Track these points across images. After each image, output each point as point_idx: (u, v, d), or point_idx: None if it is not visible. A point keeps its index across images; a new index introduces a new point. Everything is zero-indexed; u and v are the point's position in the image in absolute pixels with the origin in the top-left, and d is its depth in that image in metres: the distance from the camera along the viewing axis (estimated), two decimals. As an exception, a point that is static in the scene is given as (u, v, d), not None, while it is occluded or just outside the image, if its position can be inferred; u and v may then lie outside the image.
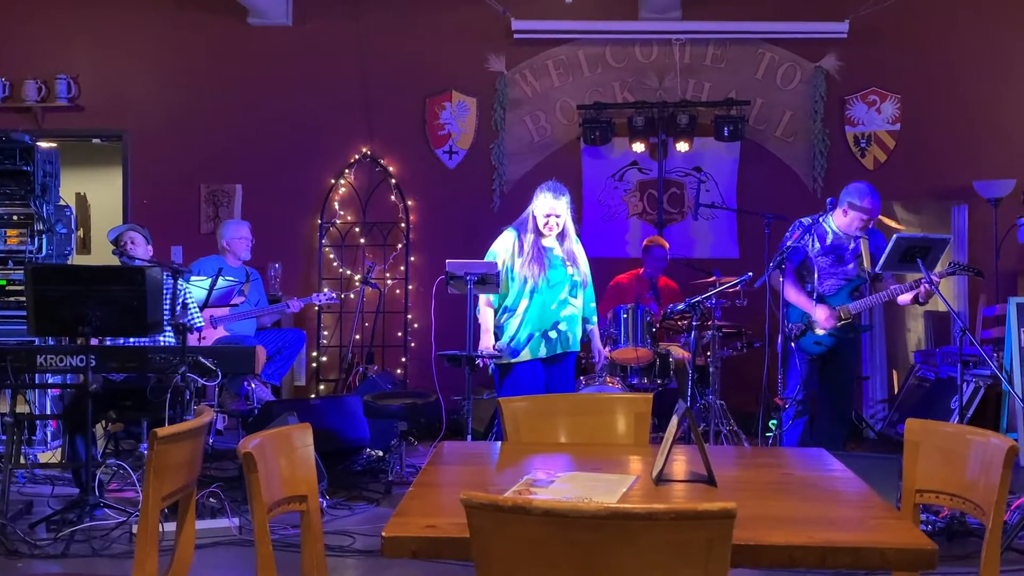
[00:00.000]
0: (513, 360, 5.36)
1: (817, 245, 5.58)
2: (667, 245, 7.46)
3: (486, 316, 5.44)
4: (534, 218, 5.37)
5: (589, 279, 5.61)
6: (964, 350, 5.30)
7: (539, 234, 5.38)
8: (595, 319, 5.71)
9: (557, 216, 5.36)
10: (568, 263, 5.42)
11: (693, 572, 1.81)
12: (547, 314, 5.34)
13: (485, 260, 5.46)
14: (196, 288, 5.92)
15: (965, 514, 3.99)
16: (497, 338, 5.42)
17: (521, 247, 5.37)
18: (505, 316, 5.42)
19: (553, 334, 5.36)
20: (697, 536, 1.80)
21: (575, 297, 5.43)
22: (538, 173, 8.13)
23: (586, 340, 5.77)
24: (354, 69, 8.31)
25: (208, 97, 8.38)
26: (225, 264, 6.88)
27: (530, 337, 5.34)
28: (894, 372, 7.92)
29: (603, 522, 1.80)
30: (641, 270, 7.46)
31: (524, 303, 5.35)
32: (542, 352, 5.37)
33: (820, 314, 5.50)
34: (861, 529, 2.26)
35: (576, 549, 1.82)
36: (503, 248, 5.44)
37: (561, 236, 5.44)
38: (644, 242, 7.54)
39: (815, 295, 5.52)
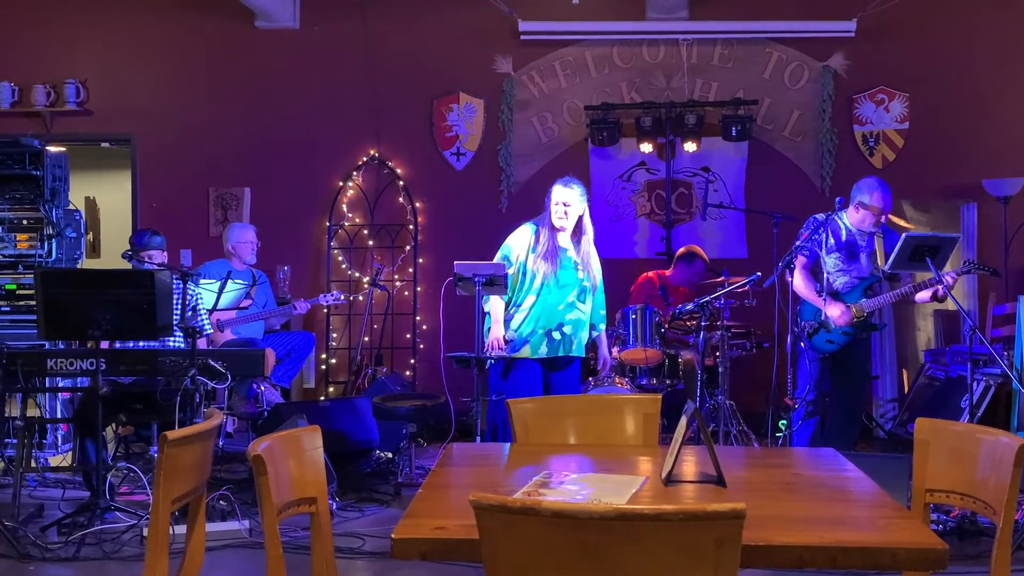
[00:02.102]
0: (513, 356, 5.36)
1: (831, 241, 5.56)
2: (707, 258, 7.35)
3: (496, 307, 5.43)
4: (550, 212, 5.40)
5: (600, 285, 5.61)
6: (974, 349, 5.29)
7: (555, 229, 5.39)
8: (603, 326, 5.70)
9: (567, 205, 5.37)
10: (580, 267, 5.41)
11: (703, 573, 1.81)
12: (553, 314, 5.35)
13: (500, 252, 5.48)
14: (206, 291, 5.93)
15: (976, 513, 3.98)
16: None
17: (537, 241, 5.39)
18: (512, 310, 5.43)
19: (557, 335, 5.36)
20: (707, 537, 1.80)
21: (583, 302, 5.43)
22: (546, 174, 8.11)
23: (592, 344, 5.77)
24: (361, 71, 8.32)
25: (216, 100, 8.40)
26: (232, 267, 6.89)
27: (532, 333, 5.34)
28: (904, 371, 7.89)
29: (612, 523, 1.80)
30: (669, 271, 7.35)
31: (531, 299, 5.36)
32: (543, 351, 5.37)
33: (834, 311, 5.48)
34: (871, 529, 2.26)
35: (585, 550, 1.82)
36: (518, 242, 5.46)
37: (577, 235, 5.44)
38: (684, 249, 7.34)
39: (824, 293, 5.50)
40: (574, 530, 1.81)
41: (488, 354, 5.33)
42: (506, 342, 5.37)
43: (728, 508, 1.79)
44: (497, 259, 5.46)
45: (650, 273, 7.37)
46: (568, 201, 5.37)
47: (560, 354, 5.41)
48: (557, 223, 5.39)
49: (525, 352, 5.36)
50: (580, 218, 5.46)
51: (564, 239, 5.43)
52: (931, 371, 7.21)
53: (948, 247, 5.21)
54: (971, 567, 4.06)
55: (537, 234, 5.43)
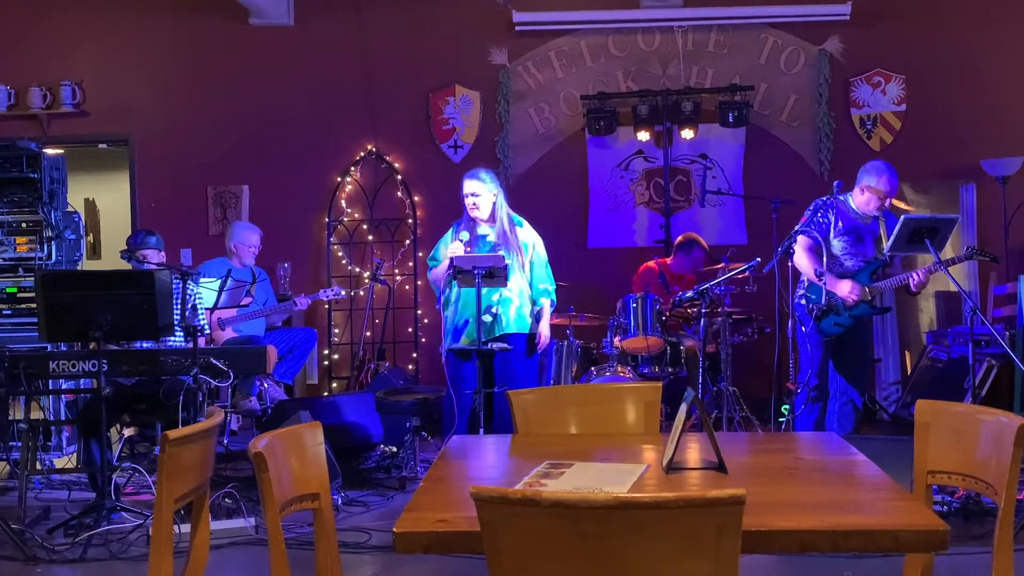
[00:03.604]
0: (454, 347, 5.51)
1: (840, 224, 5.56)
2: (707, 246, 7.36)
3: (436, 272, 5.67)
4: (465, 207, 5.58)
5: (539, 260, 5.65)
6: (975, 329, 5.29)
7: (472, 221, 5.60)
8: (544, 299, 5.69)
9: (476, 195, 5.55)
10: (499, 247, 5.49)
11: (704, 559, 1.81)
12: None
13: (429, 260, 5.73)
14: (206, 291, 5.93)
15: (980, 494, 3.99)
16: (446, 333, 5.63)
17: (454, 239, 5.52)
18: (448, 306, 5.60)
19: (487, 318, 5.46)
20: (707, 523, 1.80)
21: (507, 280, 5.48)
22: (543, 165, 8.14)
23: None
24: (357, 66, 8.31)
25: (212, 99, 8.39)
26: (231, 265, 6.89)
27: (466, 323, 5.45)
28: (906, 353, 7.90)
29: (612, 512, 1.80)
30: (670, 260, 7.35)
31: (456, 291, 5.47)
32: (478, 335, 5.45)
33: (844, 287, 5.45)
34: (873, 512, 2.26)
35: (586, 539, 1.82)
36: (444, 246, 5.67)
37: (493, 219, 5.56)
38: (682, 237, 7.32)
39: (825, 276, 5.48)
40: (574, 520, 1.81)
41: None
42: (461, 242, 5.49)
43: (728, 494, 1.79)
44: (430, 265, 5.71)
45: (651, 263, 7.36)
46: (475, 191, 5.57)
47: (495, 334, 5.51)
48: (472, 214, 5.59)
49: (464, 341, 5.49)
50: (495, 204, 5.59)
51: (484, 227, 5.58)
52: (933, 353, 7.21)
53: (947, 228, 5.21)
54: (976, 547, 4.05)
55: (457, 232, 5.62)
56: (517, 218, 5.68)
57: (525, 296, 5.60)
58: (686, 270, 7.21)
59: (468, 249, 5.46)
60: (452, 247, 5.46)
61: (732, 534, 1.81)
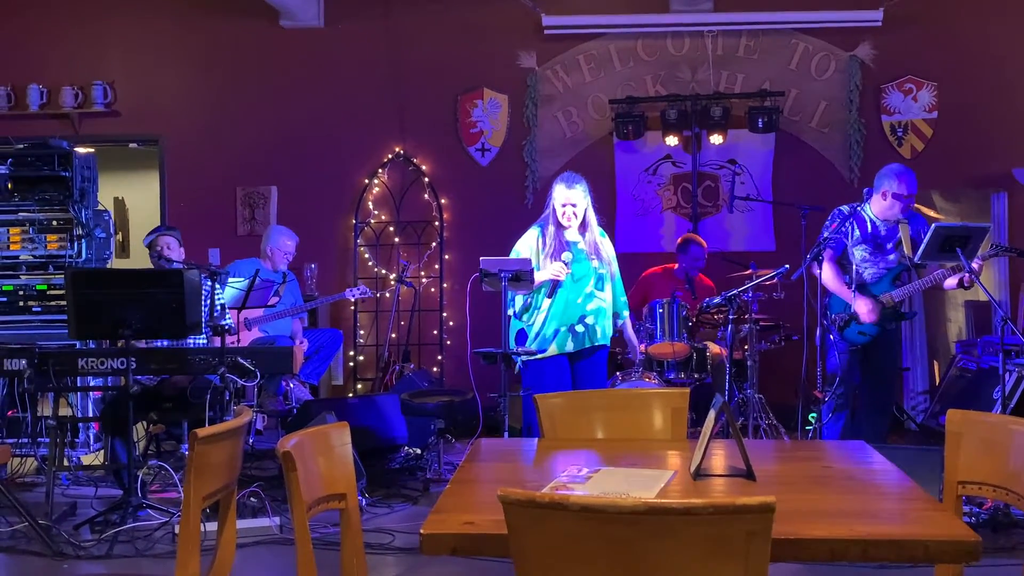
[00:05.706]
0: (539, 355, 5.35)
1: (857, 232, 5.52)
2: (705, 243, 7.34)
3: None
4: (554, 211, 5.38)
5: (617, 272, 5.58)
6: (1006, 339, 5.23)
7: (560, 227, 5.38)
8: (626, 313, 5.68)
9: (574, 205, 5.35)
10: (592, 256, 5.39)
11: (733, 566, 1.80)
12: (572, 309, 5.32)
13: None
14: (232, 290, 5.96)
15: (1010, 505, 3.94)
16: (523, 338, 5.42)
17: (544, 242, 5.38)
18: (532, 313, 5.40)
19: (580, 328, 5.33)
20: (737, 530, 1.79)
21: (601, 290, 5.40)
22: (571, 169, 8.09)
23: (618, 335, 5.74)
24: (386, 69, 8.33)
25: (242, 99, 8.44)
26: (262, 267, 6.92)
27: (556, 332, 5.33)
28: (935, 363, 7.82)
29: (641, 517, 1.79)
30: (675, 265, 7.35)
31: (548, 300, 5.33)
32: (569, 347, 5.34)
33: (862, 308, 5.44)
34: (903, 522, 2.24)
35: (614, 544, 1.81)
36: (527, 246, 5.44)
37: (583, 228, 5.43)
38: (680, 239, 7.39)
39: (853, 285, 5.46)
40: (603, 524, 1.80)
41: (516, 350, 5.32)
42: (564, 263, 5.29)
43: (758, 502, 1.78)
44: None
45: (651, 271, 7.34)
46: (574, 201, 5.34)
47: (586, 345, 5.39)
48: (566, 223, 5.37)
49: (552, 351, 5.35)
50: (585, 211, 5.46)
51: (571, 233, 5.41)
52: (962, 362, 7.14)
53: (978, 237, 5.16)
54: (1006, 559, 4.02)
55: (543, 235, 5.42)
56: (600, 229, 5.58)
57: (610, 307, 5.54)
58: (692, 270, 7.20)
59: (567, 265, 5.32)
60: (555, 267, 5.26)
61: (762, 542, 1.79)
